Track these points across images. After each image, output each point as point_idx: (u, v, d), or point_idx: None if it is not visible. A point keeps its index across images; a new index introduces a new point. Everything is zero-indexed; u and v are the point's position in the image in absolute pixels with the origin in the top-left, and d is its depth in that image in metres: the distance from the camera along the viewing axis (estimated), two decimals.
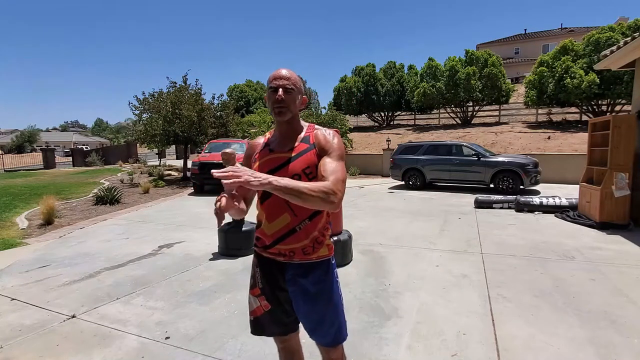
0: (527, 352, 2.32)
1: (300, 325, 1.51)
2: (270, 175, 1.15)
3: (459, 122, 20.59)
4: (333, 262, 1.50)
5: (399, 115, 24.93)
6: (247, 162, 1.50)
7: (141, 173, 15.95)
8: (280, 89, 1.33)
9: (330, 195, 1.19)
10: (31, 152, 39.52)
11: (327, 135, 1.41)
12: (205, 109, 13.03)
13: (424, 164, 10.43)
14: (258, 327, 1.51)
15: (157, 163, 22.13)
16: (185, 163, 14.30)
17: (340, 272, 3.80)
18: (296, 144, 1.39)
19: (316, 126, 1.46)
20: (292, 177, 1.30)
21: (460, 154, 10.06)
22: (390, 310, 2.94)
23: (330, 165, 1.30)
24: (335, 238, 4.00)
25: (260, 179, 1.11)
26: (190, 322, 2.79)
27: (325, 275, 1.44)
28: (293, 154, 1.37)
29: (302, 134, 1.42)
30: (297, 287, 1.41)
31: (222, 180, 1.10)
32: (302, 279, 1.40)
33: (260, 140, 1.50)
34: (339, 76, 25.43)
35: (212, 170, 1.13)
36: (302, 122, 1.46)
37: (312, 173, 1.34)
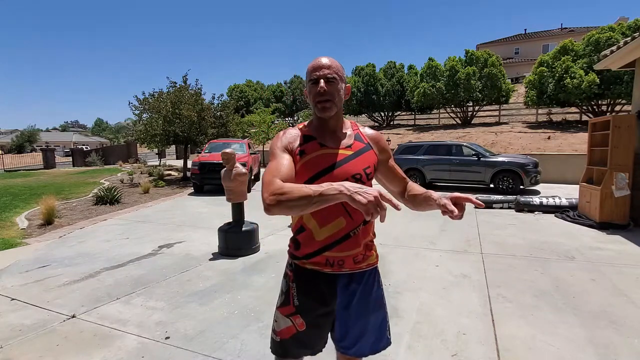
0: (527, 352, 2.32)
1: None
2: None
3: (459, 122, 20.59)
4: (378, 268, 1.43)
5: (399, 115, 24.95)
6: (288, 151, 1.25)
7: (141, 173, 15.95)
8: (322, 80, 1.20)
9: None
10: (31, 152, 39.54)
11: (382, 136, 1.43)
12: (205, 109, 13.03)
13: (424, 164, 10.43)
14: (282, 349, 1.35)
15: (157, 163, 22.12)
16: (185, 163, 14.29)
17: None
18: (351, 141, 1.30)
19: (356, 123, 1.40)
20: (353, 176, 1.24)
21: (460, 154, 10.06)
22: (390, 310, 2.90)
23: (399, 168, 1.46)
24: None
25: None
26: (190, 322, 2.78)
27: (374, 284, 1.36)
28: (351, 152, 1.28)
29: (351, 131, 1.34)
30: (346, 298, 1.31)
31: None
32: (351, 289, 1.31)
33: (295, 131, 1.32)
34: None
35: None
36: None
37: (371, 173, 1.31)
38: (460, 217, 1.17)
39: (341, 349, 1.36)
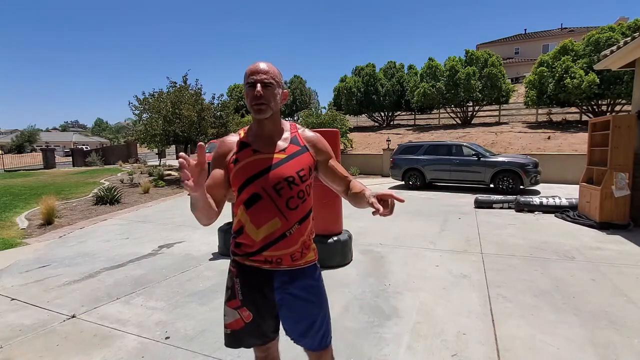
0: (527, 352, 2.32)
1: (282, 333, 1.46)
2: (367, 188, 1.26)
3: (459, 122, 20.58)
4: (318, 265, 1.48)
5: (399, 115, 24.93)
6: (220, 163, 1.34)
7: (141, 173, 15.95)
8: (259, 84, 1.25)
9: None
10: (31, 152, 39.53)
11: (320, 137, 1.44)
12: (205, 109, 13.04)
13: (424, 164, 10.43)
14: (235, 340, 1.42)
15: (157, 163, 22.13)
16: None
17: (340, 272, 3.83)
18: (286, 145, 1.34)
19: (297, 125, 1.43)
20: (286, 179, 1.28)
21: (460, 154, 10.06)
22: (390, 310, 2.94)
23: (341, 167, 1.46)
24: (335, 238, 4.00)
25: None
26: (190, 322, 2.79)
27: (315, 280, 1.42)
28: (285, 156, 1.31)
29: (288, 134, 1.37)
30: (287, 294, 1.36)
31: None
32: (291, 286, 1.36)
33: (234, 138, 1.38)
34: (339, 76, 25.44)
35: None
36: (282, 120, 1.41)
37: (305, 176, 1.32)
38: (387, 213, 1.22)
39: (293, 340, 1.42)
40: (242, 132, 1.41)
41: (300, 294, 1.37)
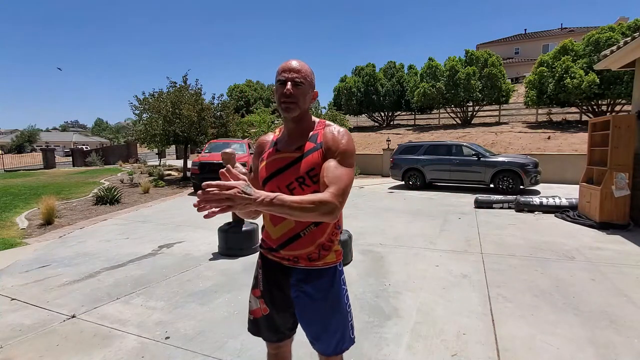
0: (527, 352, 2.32)
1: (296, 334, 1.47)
2: (262, 193, 1.05)
3: (459, 122, 20.59)
4: (340, 268, 1.41)
5: (399, 115, 24.96)
6: (256, 162, 1.41)
7: (141, 173, 15.95)
8: (289, 83, 1.22)
9: (326, 207, 1.10)
10: (31, 152, 39.54)
11: (336, 133, 1.27)
12: (205, 109, 13.05)
13: (424, 164, 10.43)
14: (255, 328, 1.47)
15: (157, 163, 22.13)
16: (185, 163, 14.31)
17: None
18: (304, 143, 1.29)
19: (327, 122, 1.34)
20: (297, 179, 1.25)
21: (460, 154, 10.06)
22: (390, 310, 2.94)
23: (333, 171, 1.19)
24: None
25: (252, 196, 1.01)
26: (190, 322, 2.79)
27: (332, 283, 1.36)
28: (299, 155, 1.28)
29: (313, 132, 1.31)
30: (301, 293, 1.34)
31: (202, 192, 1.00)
32: (307, 285, 1.33)
33: (270, 137, 1.41)
34: (339, 76, 25.47)
35: (205, 183, 1.03)
36: (313, 118, 1.36)
37: (316, 175, 1.24)
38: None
39: (309, 342, 1.41)
40: (277, 131, 1.43)
41: (316, 294, 1.33)
